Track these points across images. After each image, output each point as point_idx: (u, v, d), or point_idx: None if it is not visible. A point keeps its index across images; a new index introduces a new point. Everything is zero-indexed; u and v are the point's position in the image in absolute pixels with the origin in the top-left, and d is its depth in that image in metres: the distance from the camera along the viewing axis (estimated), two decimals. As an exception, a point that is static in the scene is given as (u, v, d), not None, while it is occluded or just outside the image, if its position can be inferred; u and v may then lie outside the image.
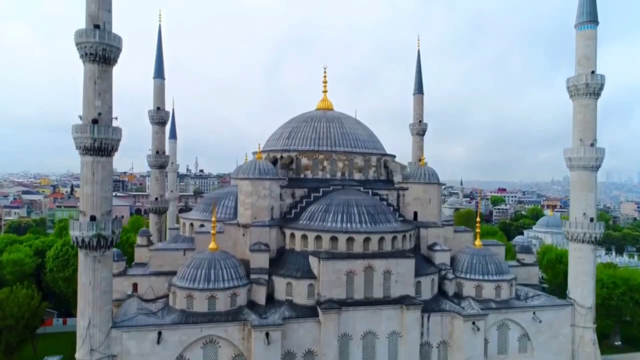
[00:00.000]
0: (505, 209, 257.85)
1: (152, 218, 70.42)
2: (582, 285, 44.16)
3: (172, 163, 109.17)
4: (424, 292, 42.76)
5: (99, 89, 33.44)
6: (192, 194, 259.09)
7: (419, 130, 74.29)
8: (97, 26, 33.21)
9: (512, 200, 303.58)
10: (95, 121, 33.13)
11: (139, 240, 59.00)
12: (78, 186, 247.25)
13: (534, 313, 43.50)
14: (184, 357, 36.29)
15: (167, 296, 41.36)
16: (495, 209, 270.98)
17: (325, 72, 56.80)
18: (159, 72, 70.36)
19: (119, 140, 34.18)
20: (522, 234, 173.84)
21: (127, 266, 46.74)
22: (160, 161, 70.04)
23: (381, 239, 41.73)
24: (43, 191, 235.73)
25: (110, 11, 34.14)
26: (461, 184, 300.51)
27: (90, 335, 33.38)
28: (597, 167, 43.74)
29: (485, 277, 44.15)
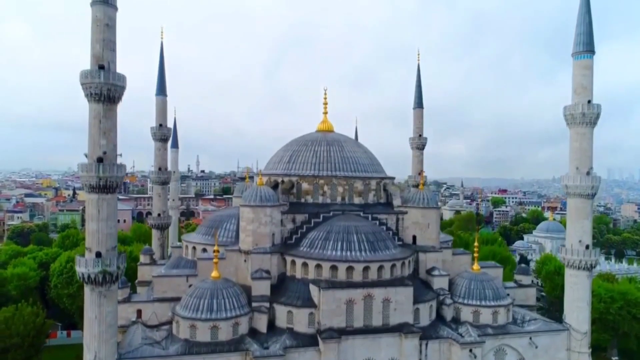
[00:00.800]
0: (506, 211, 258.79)
1: (155, 233, 71.22)
2: (577, 310, 44.97)
3: (174, 172, 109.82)
4: (423, 318, 43.58)
5: (104, 127, 34.19)
6: (194, 196, 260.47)
7: (419, 144, 75.09)
8: (101, 67, 33.92)
9: (512, 202, 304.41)
10: (100, 160, 33.91)
11: (142, 258, 59.95)
12: (80, 188, 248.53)
13: (530, 338, 44.30)
14: (188, 386, 37.16)
15: (170, 322, 42.22)
16: (495, 210, 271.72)
17: (325, 94, 57.52)
18: (161, 90, 71.09)
19: (122, 177, 34.97)
20: (522, 238, 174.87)
21: (131, 292, 47.55)
22: (163, 178, 70.84)
23: (380, 267, 42.52)
24: (45, 194, 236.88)
25: (114, 50, 34.86)
26: (462, 185, 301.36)
27: (96, 368, 34.20)
28: (593, 195, 44.44)
29: (483, 303, 44.94)
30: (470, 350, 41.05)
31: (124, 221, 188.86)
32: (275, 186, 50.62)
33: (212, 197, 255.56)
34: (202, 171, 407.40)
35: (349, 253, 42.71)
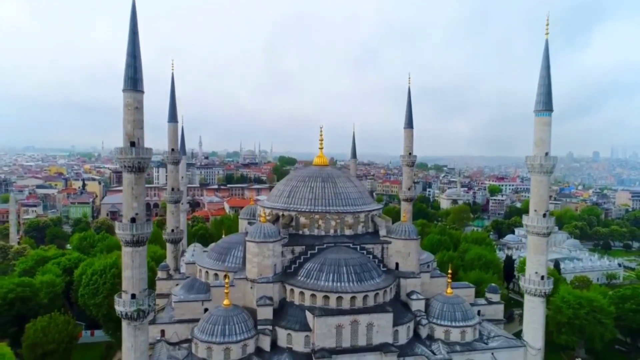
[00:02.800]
0: (502, 200, 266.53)
1: (169, 247, 79.26)
2: (533, 331, 53.05)
3: (182, 177, 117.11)
4: (401, 337, 51.78)
5: (136, 192, 41.78)
6: (199, 185, 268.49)
7: (409, 162, 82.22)
8: (132, 143, 41.30)
9: (509, 189, 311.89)
10: (133, 220, 41.58)
11: (160, 274, 68.53)
12: (89, 179, 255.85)
13: (492, 354, 52.54)
14: (206, 398, 45.65)
15: (188, 340, 50.55)
16: (492, 199, 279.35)
17: (321, 132, 64.67)
18: (172, 117, 78.20)
19: (150, 234, 42.71)
20: (513, 232, 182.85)
21: (155, 314, 55.73)
22: (175, 197, 78.51)
23: (365, 296, 50.56)
24: (56, 184, 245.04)
25: (142, 128, 42.17)
26: (459, 175, 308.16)
27: (133, 386, 42.58)
28: (548, 234, 52.03)
29: (453, 323, 53.08)
30: (440, 366, 49.31)
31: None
32: (276, 219, 58.39)
33: (216, 187, 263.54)
34: (206, 157, 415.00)
35: (338, 284, 50.70)
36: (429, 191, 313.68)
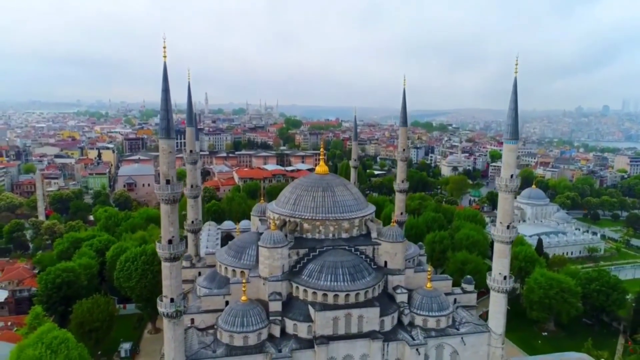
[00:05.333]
0: (501, 166, 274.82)
1: (190, 237, 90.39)
2: (496, 320, 64.38)
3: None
4: (387, 325, 63.37)
5: (171, 220, 52.26)
6: (208, 153, 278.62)
7: (403, 157, 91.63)
8: (168, 181, 51.32)
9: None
10: (170, 241, 52.26)
11: (184, 263, 79.90)
12: (103, 147, 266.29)
13: (461, 338, 64.18)
14: (229, 376, 57.90)
15: (213, 326, 62.43)
16: (492, 165, 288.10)
17: (322, 148, 74.05)
18: (190, 122, 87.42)
19: (183, 252, 53.49)
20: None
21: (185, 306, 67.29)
22: (194, 193, 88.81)
23: (357, 294, 61.78)
24: (72, 153, 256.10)
25: (174, 168, 52.02)
26: (460, 141, 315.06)
27: (173, 367, 54.75)
28: (511, 242, 62.27)
29: (430, 314, 64.46)
30: (417, 349, 61.06)
31: (148, 185, 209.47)
32: (283, 224, 69.04)
33: (225, 154, 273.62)
34: (213, 122, 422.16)
35: (335, 284, 61.84)
36: (431, 156, 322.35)
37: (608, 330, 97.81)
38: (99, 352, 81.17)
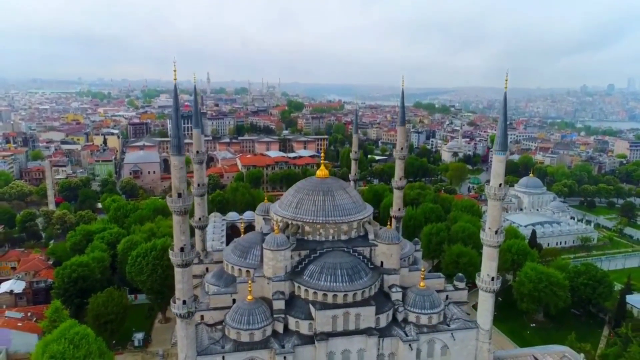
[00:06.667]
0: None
1: (197, 232, 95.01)
2: (484, 317, 69.17)
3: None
4: (382, 322, 68.27)
5: (183, 229, 56.71)
6: (211, 138, 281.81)
7: (401, 156, 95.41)
8: (179, 194, 55.53)
9: (510, 139, 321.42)
10: (182, 249, 56.76)
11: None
12: (108, 133, 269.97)
13: (451, 334, 69.15)
14: (237, 368, 63.18)
15: (221, 322, 67.44)
16: (492, 150, 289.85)
17: (322, 157, 77.88)
18: (197, 124, 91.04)
19: (194, 259, 58.03)
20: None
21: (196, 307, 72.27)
22: (201, 191, 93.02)
23: (355, 294, 66.55)
24: (78, 139, 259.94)
25: (185, 182, 56.12)
26: (461, 127, 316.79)
27: (186, 361, 59.95)
28: (499, 245, 66.58)
29: (422, 311, 69.27)
30: (410, 344, 66.11)
31: (154, 172, 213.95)
32: (286, 226, 73.48)
33: (228, 140, 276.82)
34: (216, 104, 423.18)
35: (334, 284, 66.55)
36: (432, 141, 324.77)
37: (594, 320, 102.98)
38: (114, 342, 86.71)
